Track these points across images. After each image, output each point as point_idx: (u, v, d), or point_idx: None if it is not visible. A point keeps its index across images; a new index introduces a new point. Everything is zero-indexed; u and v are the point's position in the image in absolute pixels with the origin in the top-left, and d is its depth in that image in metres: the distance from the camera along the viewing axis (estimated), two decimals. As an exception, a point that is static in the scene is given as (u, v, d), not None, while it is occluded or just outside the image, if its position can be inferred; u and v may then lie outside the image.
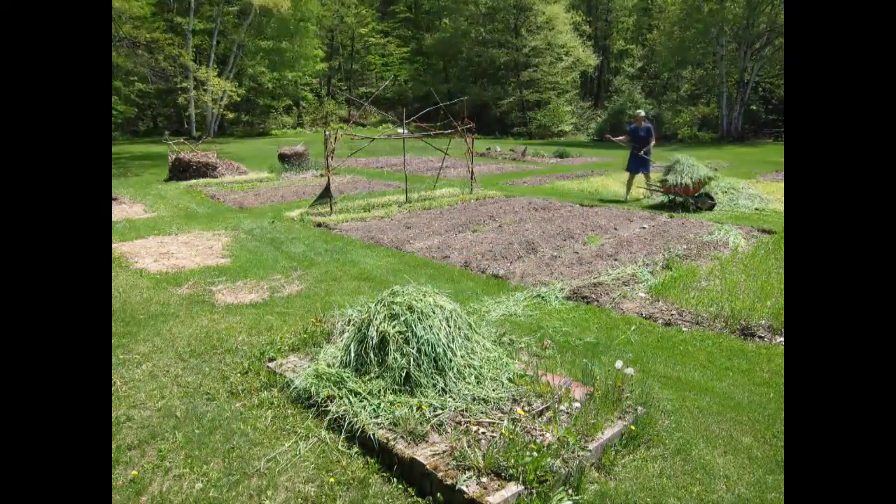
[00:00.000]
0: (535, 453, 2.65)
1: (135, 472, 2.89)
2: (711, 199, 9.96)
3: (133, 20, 21.24)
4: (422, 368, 3.28)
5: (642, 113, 11.66)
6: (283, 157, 16.03)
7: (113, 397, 3.61)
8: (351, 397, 3.25)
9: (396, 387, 3.25)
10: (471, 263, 6.70)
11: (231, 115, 31.74)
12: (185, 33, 28.30)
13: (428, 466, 2.70)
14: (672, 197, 10.20)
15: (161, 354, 4.27)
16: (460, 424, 3.01)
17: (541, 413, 3.12)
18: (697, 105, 31.53)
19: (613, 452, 2.98)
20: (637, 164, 11.17)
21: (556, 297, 5.46)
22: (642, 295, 5.50)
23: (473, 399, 3.21)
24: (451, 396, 3.21)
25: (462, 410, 3.13)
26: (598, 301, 5.38)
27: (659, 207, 10.25)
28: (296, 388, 3.50)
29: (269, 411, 3.43)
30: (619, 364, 3.30)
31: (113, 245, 7.69)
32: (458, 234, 8.35)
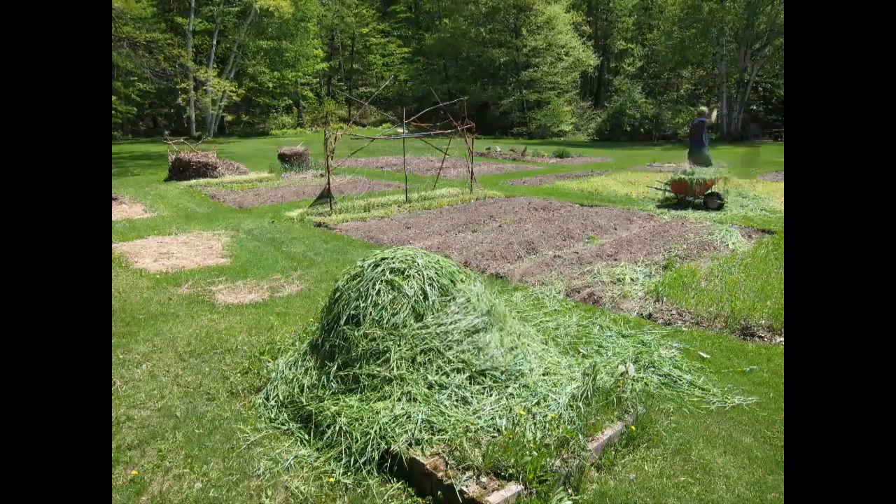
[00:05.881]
0: (534, 453, 2.65)
1: (135, 472, 2.89)
2: (720, 198, 10.05)
3: (133, 20, 21.26)
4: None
5: (703, 109, 10.48)
6: (283, 157, 16.03)
7: (113, 397, 3.61)
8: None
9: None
10: (471, 263, 6.70)
11: (231, 116, 31.75)
12: (186, 33, 28.31)
13: (428, 466, 2.70)
14: (681, 196, 10.30)
15: (161, 354, 4.27)
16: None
17: (541, 413, 3.11)
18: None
19: (613, 452, 2.98)
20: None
21: (556, 296, 5.46)
22: (642, 295, 5.50)
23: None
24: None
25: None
26: (597, 301, 5.38)
27: (669, 206, 10.22)
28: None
29: (270, 411, 3.43)
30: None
31: (113, 245, 7.69)
32: (458, 233, 8.35)
